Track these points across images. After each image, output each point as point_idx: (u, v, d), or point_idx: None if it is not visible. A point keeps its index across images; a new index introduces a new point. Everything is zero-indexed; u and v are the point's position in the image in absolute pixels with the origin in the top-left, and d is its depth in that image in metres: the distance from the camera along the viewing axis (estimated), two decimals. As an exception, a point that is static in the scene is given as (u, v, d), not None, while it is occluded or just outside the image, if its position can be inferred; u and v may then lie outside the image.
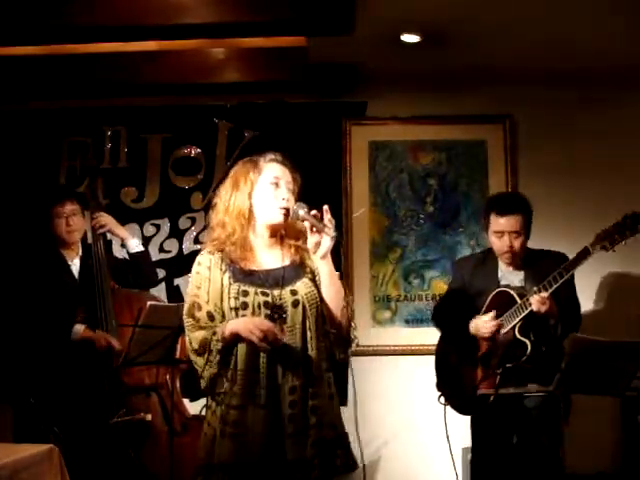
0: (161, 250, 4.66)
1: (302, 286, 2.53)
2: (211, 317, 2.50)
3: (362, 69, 4.42)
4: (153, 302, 3.60)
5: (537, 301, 3.30)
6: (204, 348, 2.45)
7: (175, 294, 4.59)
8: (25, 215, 4.47)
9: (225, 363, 2.46)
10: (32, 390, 3.55)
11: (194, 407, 3.93)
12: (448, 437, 3.53)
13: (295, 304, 2.49)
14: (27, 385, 3.62)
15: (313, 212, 2.47)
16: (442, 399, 3.60)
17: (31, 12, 3.46)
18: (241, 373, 2.45)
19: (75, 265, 3.88)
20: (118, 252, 4.37)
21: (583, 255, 3.30)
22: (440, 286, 4.60)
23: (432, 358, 3.82)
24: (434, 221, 4.67)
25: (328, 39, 3.82)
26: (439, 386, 3.71)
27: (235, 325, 2.42)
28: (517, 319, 3.40)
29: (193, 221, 4.68)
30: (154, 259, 4.55)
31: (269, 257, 2.59)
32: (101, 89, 4.59)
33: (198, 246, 4.63)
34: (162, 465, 3.47)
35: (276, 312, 2.47)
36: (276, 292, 2.50)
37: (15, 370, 3.75)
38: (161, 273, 4.58)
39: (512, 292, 3.47)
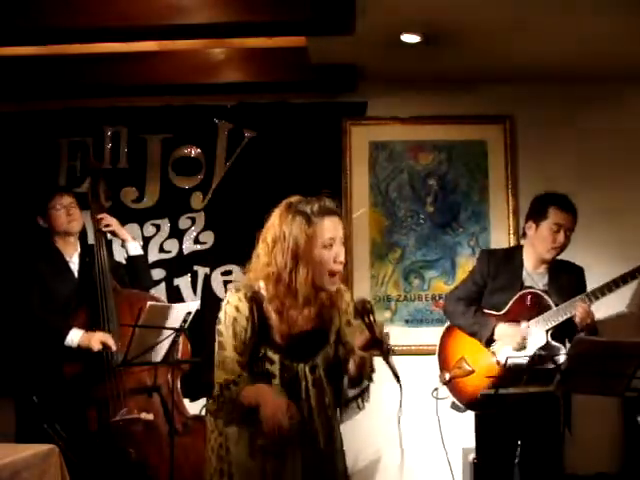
0: (161, 250, 4.66)
1: (321, 358, 2.53)
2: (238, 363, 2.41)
3: (362, 69, 4.42)
4: (153, 302, 3.60)
5: (582, 312, 3.34)
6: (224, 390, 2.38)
7: (175, 294, 4.59)
8: (25, 214, 4.47)
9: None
10: (34, 388, 3.55)
11: (194, 407, 3.94)
12: (442, 433, 3.47)
13: (314, 382, 2.51)
14: (29, 383, 3.63)
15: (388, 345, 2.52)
16: (435, 393, 3.55)
17: (31, 12, 3.46)
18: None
19: (74, 263, 3.87)
20: (118, 253, 4.36)
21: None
22: (440, 286, 4.60)
23: (432, 358, 3.80)
24: (434, 221, 4.67)
25: (328, 39, 3.82)
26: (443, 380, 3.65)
27: (256, 399, 2.33)
28: (554, 323, 3.42)
29: (193, 221, 4.67)
30: (154, 259, 4.57)
31: (300, 314, 2.49)
32: (101, 89, 4.58)
33: (198, 246, 4.64)
34: (163, 465, 3.48)
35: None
36: (299, 367, 2.47)
37: (17, 367, 3.77)
38: (161, 273, 4.60)
39: (545, 296, 3.48)
